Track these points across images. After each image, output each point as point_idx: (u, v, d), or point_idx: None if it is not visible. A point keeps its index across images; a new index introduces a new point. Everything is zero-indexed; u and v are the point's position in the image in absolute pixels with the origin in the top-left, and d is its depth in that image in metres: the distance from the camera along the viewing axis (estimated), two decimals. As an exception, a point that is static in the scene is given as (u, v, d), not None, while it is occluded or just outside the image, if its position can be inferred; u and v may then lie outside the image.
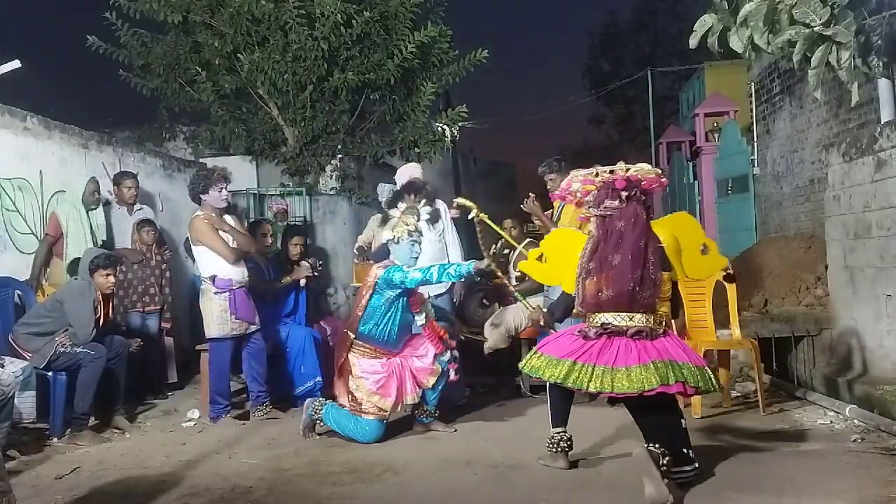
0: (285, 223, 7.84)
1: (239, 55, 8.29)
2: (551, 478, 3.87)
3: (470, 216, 4.68)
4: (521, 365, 3.99)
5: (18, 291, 5.54)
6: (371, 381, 4.71)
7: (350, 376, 4.76)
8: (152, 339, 6.39)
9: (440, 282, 4.87)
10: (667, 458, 3.38)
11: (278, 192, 8.52)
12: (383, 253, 5.07)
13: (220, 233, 5.32)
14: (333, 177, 8.95)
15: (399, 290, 4.70)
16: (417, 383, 4.78)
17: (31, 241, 5.97)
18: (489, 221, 4.61)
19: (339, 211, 8.80)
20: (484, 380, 6.19)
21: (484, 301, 6.34)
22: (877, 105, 5.83)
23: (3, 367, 4.25)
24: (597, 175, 3.74)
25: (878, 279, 5.22)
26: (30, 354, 4.94)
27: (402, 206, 5.60)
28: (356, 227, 8.28)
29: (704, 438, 4.44)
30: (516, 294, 4.76)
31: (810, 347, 6.13)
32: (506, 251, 6.07)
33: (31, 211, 6.00)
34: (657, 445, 3.41)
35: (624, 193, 3.65)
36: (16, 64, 6.53)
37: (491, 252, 4.85)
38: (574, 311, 3.87)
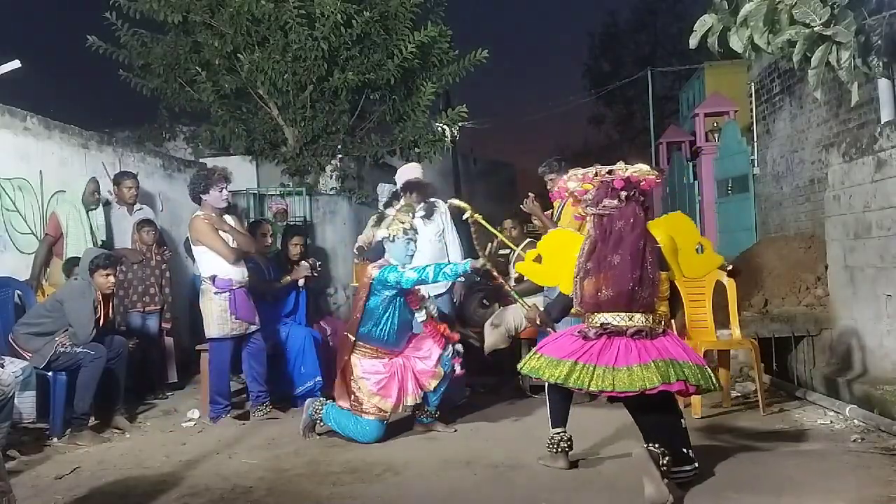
0: (285, 223, 7.83)
1: (239, 55, 8.30)
2: (551, 478, 3.87)
3: (465, 217, 4.68)
4: (519, 366, 3.97)
5: (18, 291, 5.54)
6: (372, 381, 4.70)
7: (351, 378, 4.76)
8: (152, 339, 6.40)
9: (436, 281, 4.86)
10: (667, 458, 3.38)
11: (278, 192, 8.52)
12: (379, 251, 5.06)
13: (221, 233, 5.32)
14: (333, 177, 8.96)
15: (395, 290, 4.69)
16: (419, 385, 4.77)
17: (31, 241, 5.97)
18: (483, 221, 4.61)
19: (338, 211, 8.81)
20: (484, 380, 6.19)
21: (484, 301, 6.34)
22: (877, 105, 5.83)
23: (3, 367, 4.26)
24: (595, 174, 3.74)
25: (878, 279, 5.22)
26: (30, 354, 4.94)
27: (397, 204, 5.59)
28: (356, 228, 8.29)
29: (704, 438, 4.44)
30: (512, 293, 4.78)
31: (810, 347, 6.13)
32: (501, 251, 6.07)
33: (31, 211, 6.00)
34: (657, 445, 3.41)
35: (623, 193, 3.65)
36: (16, 64, 6.54)
37: (486, 252, 4.86)
38: (573, 310, 3.87)
